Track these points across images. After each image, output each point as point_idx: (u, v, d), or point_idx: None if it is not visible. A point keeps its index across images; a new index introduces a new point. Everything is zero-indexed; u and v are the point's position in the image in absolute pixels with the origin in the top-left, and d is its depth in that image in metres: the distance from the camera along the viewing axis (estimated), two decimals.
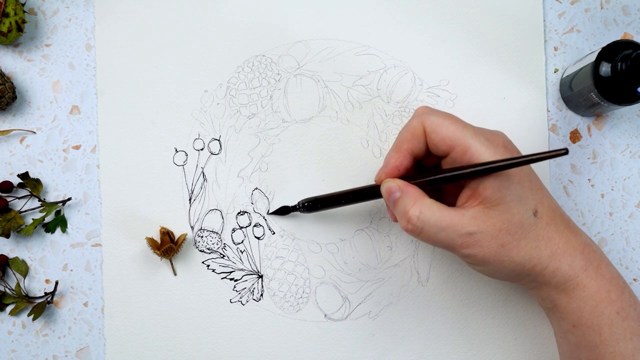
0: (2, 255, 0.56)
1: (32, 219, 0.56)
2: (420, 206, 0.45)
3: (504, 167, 0.44)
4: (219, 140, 0.57)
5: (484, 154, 0.45)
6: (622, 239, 0.57)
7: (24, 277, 0.57)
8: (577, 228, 0.49)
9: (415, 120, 0.48)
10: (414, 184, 0.47)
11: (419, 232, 0.46)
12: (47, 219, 0.56)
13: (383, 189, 0.48)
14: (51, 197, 0.57)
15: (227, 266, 0.57)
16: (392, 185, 0.47)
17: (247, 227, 0.57)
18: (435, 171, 0.48)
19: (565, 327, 0.48)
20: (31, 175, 0.56)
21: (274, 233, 0.57)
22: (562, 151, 0.42)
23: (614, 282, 0.47)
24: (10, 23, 0.54)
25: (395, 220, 0.49)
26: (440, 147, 0.47)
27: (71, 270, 0.57)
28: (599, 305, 0.47)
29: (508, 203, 0.45)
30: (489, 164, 0.44)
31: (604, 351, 0.46)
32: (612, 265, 0.49)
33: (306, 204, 0.54)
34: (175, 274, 0.57)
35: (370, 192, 0.50)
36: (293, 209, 0.56)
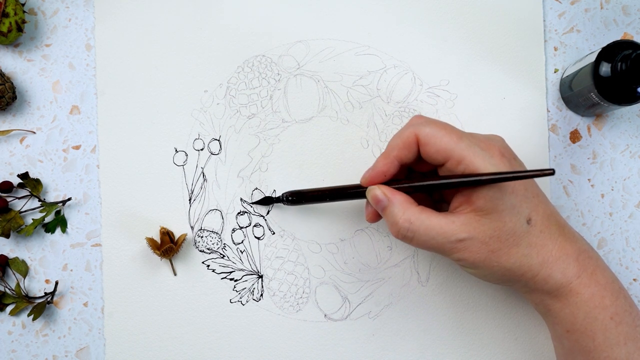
0: (2, 255, 0.56)
1: (32, 219, 0.56)
2: (410, 215, 0.46)
3: (489, 182, 0.44)
4: (219, 140, 0.57)
5: (478, 164, 0.45)
6: (622, 239, 0.57)
7: (24, 277, 0.57)
8: (573, 234, 0.49)
9: (408, 130, 0.48)
10: (400, 188, 0.48)
11: (409, 240, 0.47)
12: (47, 219, 0.56)
13: (369, 196, 0.49)
14: (51, 197, 0.57)
15: (227, 266, 0.57)
16: (378, 194, 0.48)
17: (247, 227, 0.57)
18: (420, 178, 0.48)
19: (559, 332, 0.48)
20: (31, 175, 0.56)
21: (274, 233, 0.57)
22: (549, 171, 0.42)
23: (609, 287, 0.47)
24: (10, 23, 0.54)
25: (371, 220, 0.50)
26: (436, 158, 0.47)
27: (71, 270, 0.57)
28: (592, 312, 0.46)
29: (500, 212, 0.45)
30: (472, 177, 0.45)
31: (597, 356, 0.47)
32: (609, 270, 0.49)
33: (290, 197, 0.54)
34: (175, 274, 0.57)
35: (356, 193, 0.51)
36: (277, 200, 0.56)
